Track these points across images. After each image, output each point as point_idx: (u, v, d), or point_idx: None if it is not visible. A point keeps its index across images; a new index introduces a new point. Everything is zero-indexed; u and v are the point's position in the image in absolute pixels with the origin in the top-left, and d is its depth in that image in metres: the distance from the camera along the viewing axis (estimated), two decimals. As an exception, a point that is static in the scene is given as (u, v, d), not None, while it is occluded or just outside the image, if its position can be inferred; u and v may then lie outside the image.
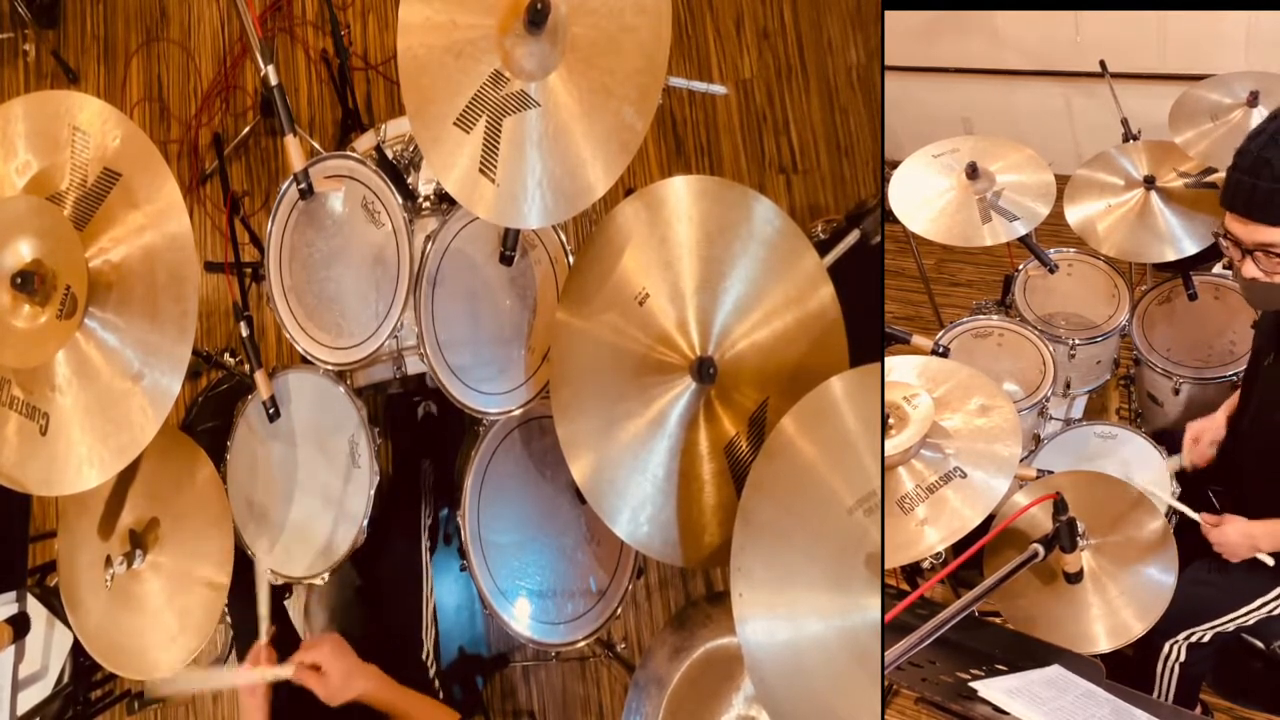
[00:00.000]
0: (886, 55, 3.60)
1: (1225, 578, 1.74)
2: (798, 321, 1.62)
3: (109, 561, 1.65)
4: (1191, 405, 2.23)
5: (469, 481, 1.80)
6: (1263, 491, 1.74)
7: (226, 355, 2.51)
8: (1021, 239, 2.24)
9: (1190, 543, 1.74)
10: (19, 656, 1.95)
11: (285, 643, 1.82)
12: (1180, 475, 1.96)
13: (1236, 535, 1.71)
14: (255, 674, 1.52)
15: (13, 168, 1.55)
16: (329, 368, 1.77)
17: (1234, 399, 1.95)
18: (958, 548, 1.50)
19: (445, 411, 2.36)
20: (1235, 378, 2.13)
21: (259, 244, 2.47)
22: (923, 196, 2.31)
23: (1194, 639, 1.74)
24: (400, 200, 1.73)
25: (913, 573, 2.07)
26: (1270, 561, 1.71)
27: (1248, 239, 1.49)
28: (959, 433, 1.59)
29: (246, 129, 3.12)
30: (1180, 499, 1.91)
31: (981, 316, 2.37)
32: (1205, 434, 1.92)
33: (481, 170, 1.47)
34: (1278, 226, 1.45)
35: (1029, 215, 2.21)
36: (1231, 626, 1.74)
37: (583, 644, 1.83)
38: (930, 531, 1.48)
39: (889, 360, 1.73)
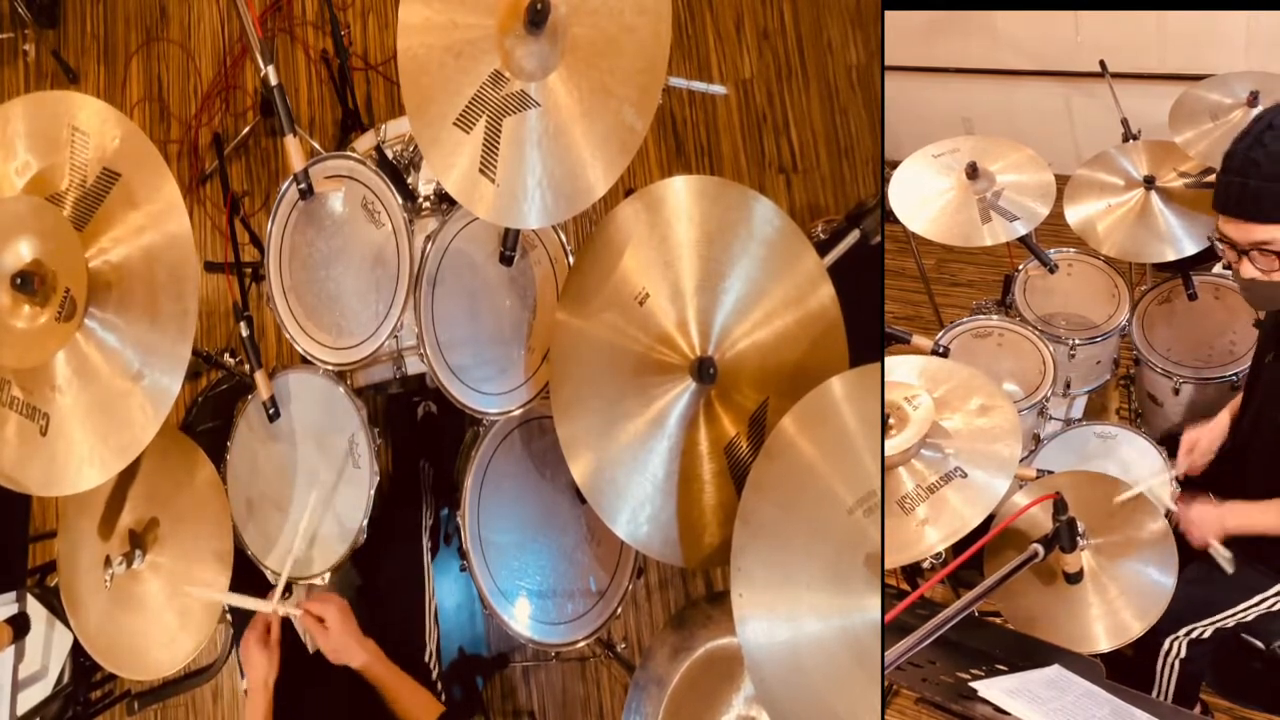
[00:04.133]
0: (886, 55, 3.60)
1: (1226, 574, 1.74)
2: (798, 321, 1.62)
3: (109, 562, 1.65)
4: (1191, 405, 2.23)
5: (469, 481, 1.80)
6: (1264, 492, 1.74)
7: (226, 355, 2.51)
8: (1021, 239, 2.24)
9: (1190, 543, 1.74)
10: (19, 656, 1.95)
11: (284, 643, 1.83)
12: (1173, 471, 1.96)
13: (1203, 511, 1.72)
14: (269, 606, 1.64)
15: (12, 168, 1.55)
16: (329, 368, 1.77)
17: (1234, 403, 1.95)
18: (958, 548, 1.50)
19: (445, 411, 2.36)
20: (1235, 378, 2.13)
21: (259, 244, 2.47)
22: (922, 196, 2.31)
23: (1194, 635, 1.74)
24: (400, 200, 1.73)
25: (913, 573, 2.07)
26: (1226, 553, 1.70)
27: (1243, 239, 1.50)
28: (959, 433, 1.59)
29: (246, 129, 3.12)
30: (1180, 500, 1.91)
31: (981, 316, 2.37)
32: (1200, 442, 1.92)
33: (481, 170, 1.47)
34: (1271, 224, 1.46)
35: (1029, 215, 2.21)
36: (1232, 623, 1.74)
37: (583, 644, 1.83)
38: (930, 531, 1.48)
39: (889, 360, 1.73)
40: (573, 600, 1.85)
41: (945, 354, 2.13)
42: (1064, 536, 1.53)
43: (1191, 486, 1.95)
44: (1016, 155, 2.34)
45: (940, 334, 2.35)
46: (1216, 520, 1.72)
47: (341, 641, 1.62)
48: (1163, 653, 1.76)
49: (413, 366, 1.84)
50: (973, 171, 2.26)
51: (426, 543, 1.96)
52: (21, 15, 3.16)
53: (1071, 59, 3.48)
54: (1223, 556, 1.71)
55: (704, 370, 1.55)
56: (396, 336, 1.76)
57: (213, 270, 2.78)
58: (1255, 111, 2.14)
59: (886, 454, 1.51)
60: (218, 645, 2.21)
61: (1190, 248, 2.17)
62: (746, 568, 1.37)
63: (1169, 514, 1.83)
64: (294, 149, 1.68)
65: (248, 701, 1.65)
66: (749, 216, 1.62)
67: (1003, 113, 3.84)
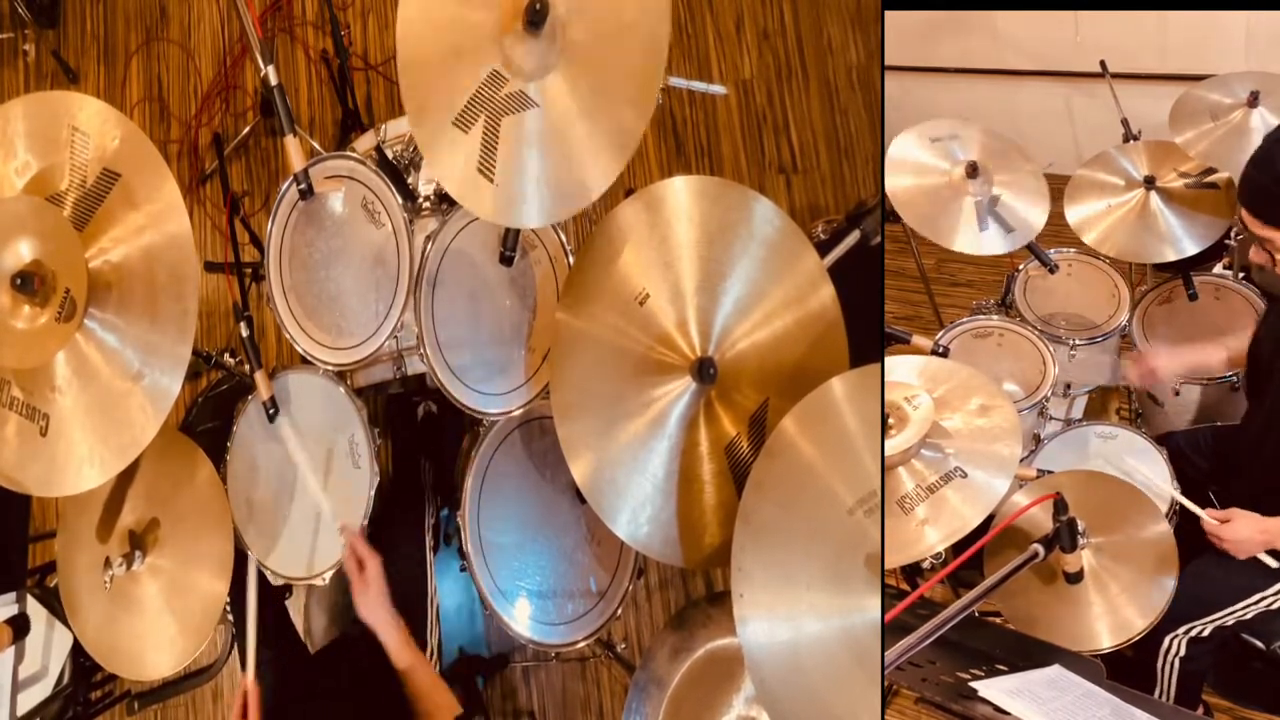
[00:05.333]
0: (886, 55, 3.60)
1: (1226, 572, 1.74)
2: (798, 321, 1.62)
3: (108, 563, 1.65)
4: (1192, 406, 2.23)
5: (469, 482, 1.80)
6: (1276, 491, 1.74)
7: (226, 355, 2.51)
8: (1021, 239, 2.24)
9: (1191, 539, 1.74)
10: (19, 657, 1.95)
11: (285, 644, 1.84)
12: (1180, 474, 1.96)
13: (1249, 531, 1.70)
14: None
15: (12, 168, 1.55)
16: (329, 368, 1.77)
17: (1208, 347, 1.99)
18: (958, 548, 1.50)
19: (445, 411, 2.36)
20: (1235, 378, 2.12)
21: (259, 244, 2.47)
22: (917, 173, 2.30)
23: (1194, 633, 1.74)
24: (400, 200, 1.73)
25: (913, 573, 2.07)
26: (1273, 563, 1.70)
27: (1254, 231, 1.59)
28: (959, 433, 1.59)
29: (246, 129, 3.12)
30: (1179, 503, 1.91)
31: (981, 316, 2.37)
32: (1161, 369, 1.97)
33: (480, 170, 1.47)
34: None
35: (1024, 228, 2.20)
36: (1231, 621, 1.74)
37: (583, 644, 1.82)
38: (930, 531, 1.48)
39: (889, 360, 1.73)
40: (573, 600, 1.85)
41: (945, 354, 2.13)
42: (1064, 536, 1.53)
43: (1193, 485, 1.95)
44: (1013, 154, 2.34)
45: (940, 334, 2.34)
46: (1262, 539, 1.70)
47: (377, 598, 1.61)
48: (1162, 651, 1.76)
49: (413, 366, 1.84)
50: (973, 171, 2.26)
51: (429, 540, 1.96)
52: (21, 15, 3.16)
53: (1071, 59, 3.48)
54: (1270, 562, 1.71)
55: (704, 370, 1.55)
56: (396, 336, 1.76)
57: (213, 270, 2.77)
58: (1258, 111, 2.14)
59: (886, 454, 1.51)
60: (218, 645, 2.21)
61: (1190, 248, 2.16)
62: (746, 568, 1.36)
63: (1170, 513, 1.82)
64: (294, 149, 1.68)
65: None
66: (749, 217, 1.62)
67: (1003, 113, 3.84)
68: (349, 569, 1.65)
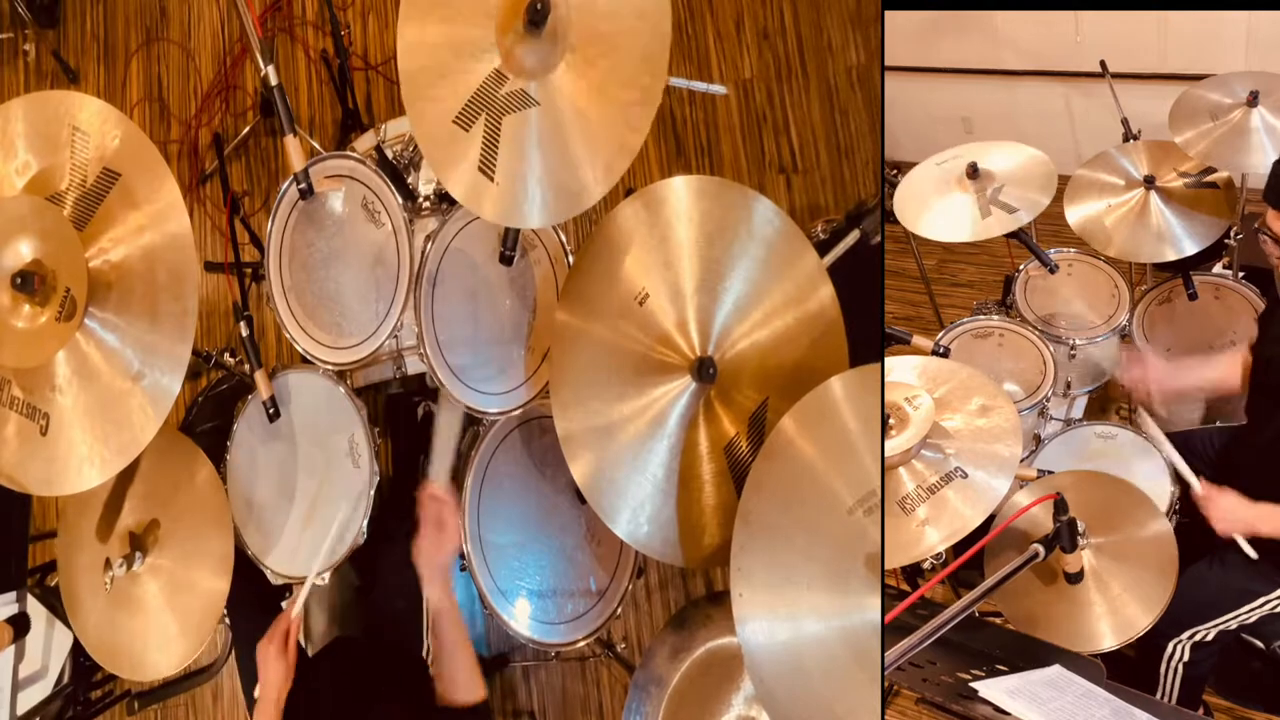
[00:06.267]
0: (886, 55, 3.60)
1: (1228, 576, 1.74)
2: (798, 321, 1.62)
3: (109, 563, 1.65)
4: (1193, 405, 2.23)
5: (469, 482, 1.80)
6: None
7: (226, 355, 2.51)
8: (1022, 239, 2.24)
9: (1192, 542, 1.74)
10: (19, 656, 1.95)
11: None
12: (1179, 474, 1.95)
13: (1235, 506, 1.68)
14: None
15: (13, 168, 1.55)
16: (329, 368, 1.77)
17: (1212, 371, 1.94)
18: (958, 548, 1.50)
19: (445, 411, 2.36)
20: (1235, 378, 2.12)
21: (259, 244, 2.47)
22: (927, 202, 2.31)
23: (1197, 638, 1.74)
24: (400, 200, 1.73)
25: (913, 573, 2.07)
26: (1253, 553, 1.69)
27: None
28: (959, 433, 1.59)
29: (246, 129, 3.12)
30: (1179, 502, 1.91)
31: (982, 316, 2.37)
32: (1159, 383, 1.91)
33: (481, 169, 1.47)
34: None
35: (1030, 205, 2.19)
36: (1234, 625, 1.74)
37: (583, 644, 1.82)
38: (931, 532, 1.48)
39: (889, 360, 1.73)
40: (573, 600, 1.85)
41: (945, 354, 2.13)
42: (1065, 536, 1.53)
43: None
44: (1018, 154, 2.34)
45: (940, 334, 2.34)
46: (1248, 520, 1.68)
47: (444, 556, 1.58)
48: (1165, 656, 1.76)
49: (413, 366, 1.84)
50: (973, 171, 2.26)
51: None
52: (21, 15, 3.16)
53: (1071, 59, 3.48)
54: (1249, 551, 1.69)
55: (704, 370, 1.55)
56: (396, 336, 1.76)
57: (213, 270, 2.78)
58: (1257, 111, 2.14)
59: (887, 454, 1.51)
60: (218, 645, 2.21)
61: (1190, 248, 2.16)
62: (746, 568, 1.36)
63: (1171, 512, 1.81)
64: (294, 149, 1.68)
65: (258, 710, 1.59)
66: (749, 216, 1.62)
67: (1003, 113, 3.84)
68: (427, 517, 1.60)
